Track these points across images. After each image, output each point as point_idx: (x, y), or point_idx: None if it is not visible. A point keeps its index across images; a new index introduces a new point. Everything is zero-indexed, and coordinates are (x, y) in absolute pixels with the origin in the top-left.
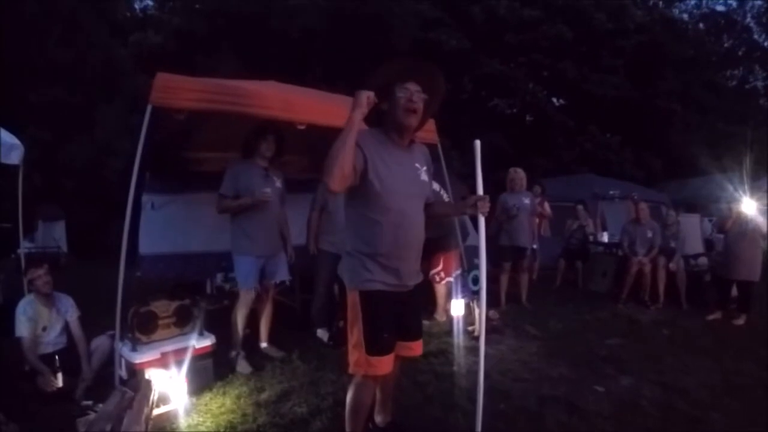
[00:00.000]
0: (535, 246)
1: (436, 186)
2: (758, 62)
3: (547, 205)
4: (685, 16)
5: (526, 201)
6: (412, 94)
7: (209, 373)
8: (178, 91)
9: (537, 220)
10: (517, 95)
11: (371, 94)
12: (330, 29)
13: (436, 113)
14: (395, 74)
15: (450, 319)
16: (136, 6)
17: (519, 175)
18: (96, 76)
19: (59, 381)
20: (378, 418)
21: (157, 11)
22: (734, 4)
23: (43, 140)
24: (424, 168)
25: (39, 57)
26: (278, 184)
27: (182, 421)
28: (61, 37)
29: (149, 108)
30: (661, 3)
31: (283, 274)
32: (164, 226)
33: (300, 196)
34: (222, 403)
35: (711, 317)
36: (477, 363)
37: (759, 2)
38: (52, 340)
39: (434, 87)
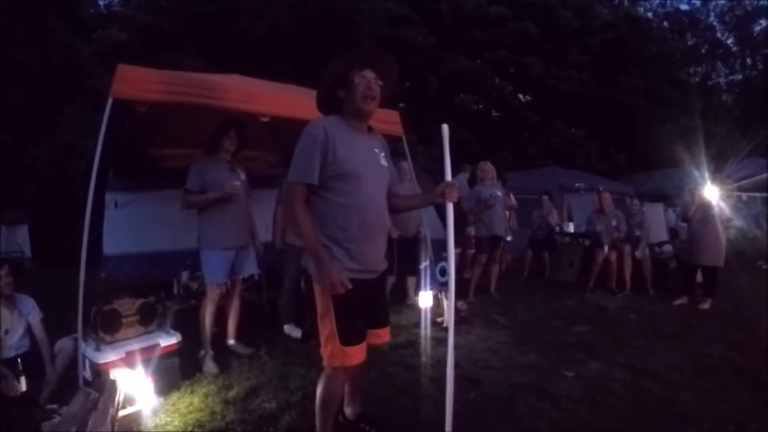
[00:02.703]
0: (509, 238)
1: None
2: (720, 59)
3: (512, 197)
4: (650, 14)
5: (499, 193)
6: (369, 81)
7: (176, 372)
8: (140, 83)
9: (507, 213)
10: (483, 91)
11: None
12: (297, 26)
13: (403, 108)
14: (353, 63)
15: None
16: (101, 2)
17: (489, 167)
18: (59, 75)
19: (23, 385)
20: (348, 411)
21: (121, 7)
22: (698, 3)
23: (3, 143)
24: (383, 154)
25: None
26: (243, 177)
27: (149, 422)
28: (24, 37)
29: (110, 101)
30: (626, 1)
31: (251, 268)
32: (129, 225)
33: (266, 192)
34: (190, 402)
35: (677, 302)
36: (446, 353)
37: (722, 2)
38: (14, 343)
39: (389, 74)
